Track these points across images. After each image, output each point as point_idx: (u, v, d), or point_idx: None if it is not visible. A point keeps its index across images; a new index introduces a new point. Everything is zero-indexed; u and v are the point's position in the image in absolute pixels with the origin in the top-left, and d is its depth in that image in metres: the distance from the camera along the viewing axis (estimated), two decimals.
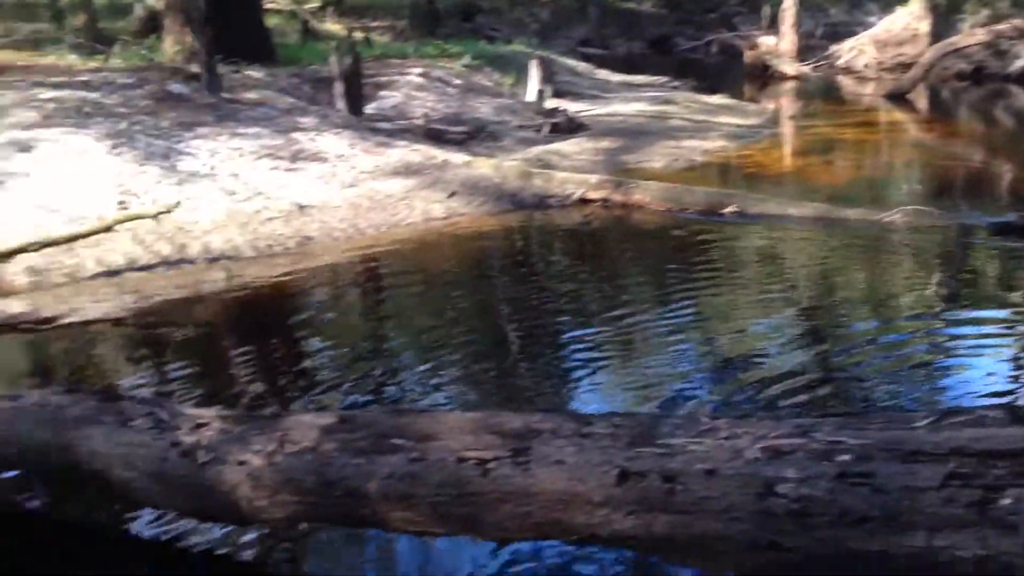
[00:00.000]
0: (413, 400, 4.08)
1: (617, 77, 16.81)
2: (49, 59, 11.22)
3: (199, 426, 3.02)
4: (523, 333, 5.01)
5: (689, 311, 5.21)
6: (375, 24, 22.83)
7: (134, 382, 4.46)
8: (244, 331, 5.49)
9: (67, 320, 5.46)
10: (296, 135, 8.94)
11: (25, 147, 7.56)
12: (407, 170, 8.48)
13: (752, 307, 5.26)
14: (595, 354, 4.61)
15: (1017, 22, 15.81)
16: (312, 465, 2.79)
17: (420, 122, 10.21)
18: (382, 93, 11.77)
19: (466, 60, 14.12)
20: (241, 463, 2.81)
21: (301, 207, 7.45)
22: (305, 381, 4.40)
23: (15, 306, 5.59)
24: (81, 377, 4.62)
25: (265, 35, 13.51)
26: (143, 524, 3.23)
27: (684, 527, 2.65)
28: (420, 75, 12.71)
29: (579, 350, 4.68)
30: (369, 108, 10.82)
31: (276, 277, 6.23)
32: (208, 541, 3.14)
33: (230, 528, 3.09)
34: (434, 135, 9.95)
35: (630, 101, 13.70)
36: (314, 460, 2.81)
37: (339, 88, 10.15)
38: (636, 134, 11.03)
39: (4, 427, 3.11)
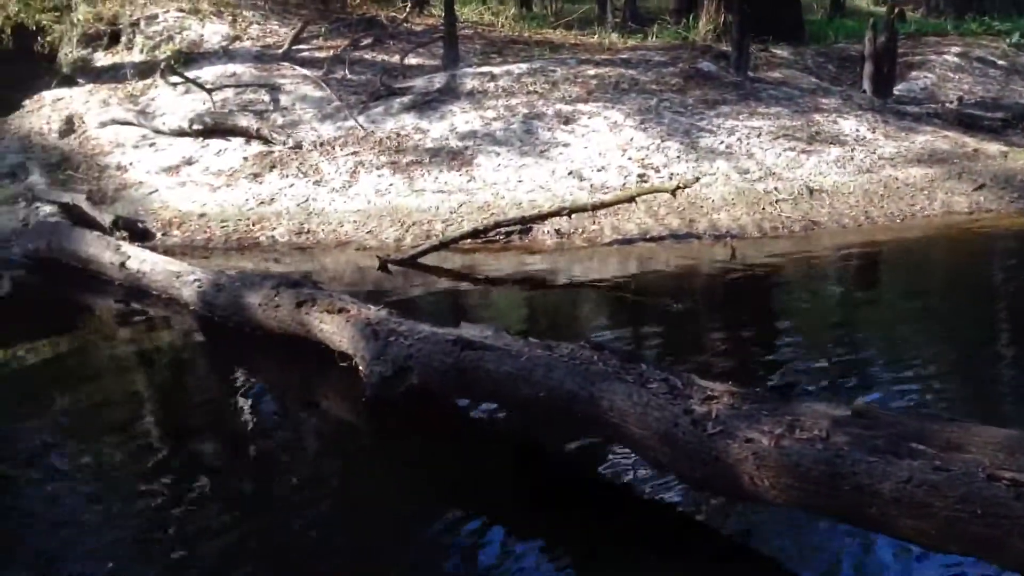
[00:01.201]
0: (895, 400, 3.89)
1: None
2: (594, 38, 12.28)
3: (710, 398, 3.17)
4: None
5: None
6: None
7: (622, 342, 4.77)
8: (733, 310, 5.60)
9: (580, 280, 6.09)
10: (815, 116, 8.81)
11: (567, 119, 8.44)
12: (931, 158, 7.96)
13: None
14: None
15: None
16: (822, 455, 2.79)
17: (952, 106, 9.47)
18: (912, 74, 11.09)
19: (1014, 38, 12.73)
20: (748, 440, 2.89)
21: (811, 190, 7.37)
22: (780, 367, 4.39)
23: (537, 263, 6.36)
24: (577, 333, 4.95)
25: (797, 12, 13.39)
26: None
27: None
28: (957, 54, 11.76)
29: None
30: (897, 89, 10.27)
31: (777, 259, 6.26)
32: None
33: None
34: (967, 121, 9.17)
35: None
36: (825, 450, 2.81)
37: (868, 68, 9.77)
38: None
39: (541, 372, 3.52)
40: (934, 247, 6.47)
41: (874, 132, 8.50)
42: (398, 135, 8.25)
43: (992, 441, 2.81)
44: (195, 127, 8.32)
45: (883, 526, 2.73)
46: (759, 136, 8.29)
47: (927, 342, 4.80)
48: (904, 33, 12.78)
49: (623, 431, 3.26)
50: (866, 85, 9.71)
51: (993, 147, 8.17)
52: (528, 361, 3.58)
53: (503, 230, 6.54)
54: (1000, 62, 11.80)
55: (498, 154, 7.86)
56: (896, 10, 15.40)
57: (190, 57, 9.71)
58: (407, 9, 12.10)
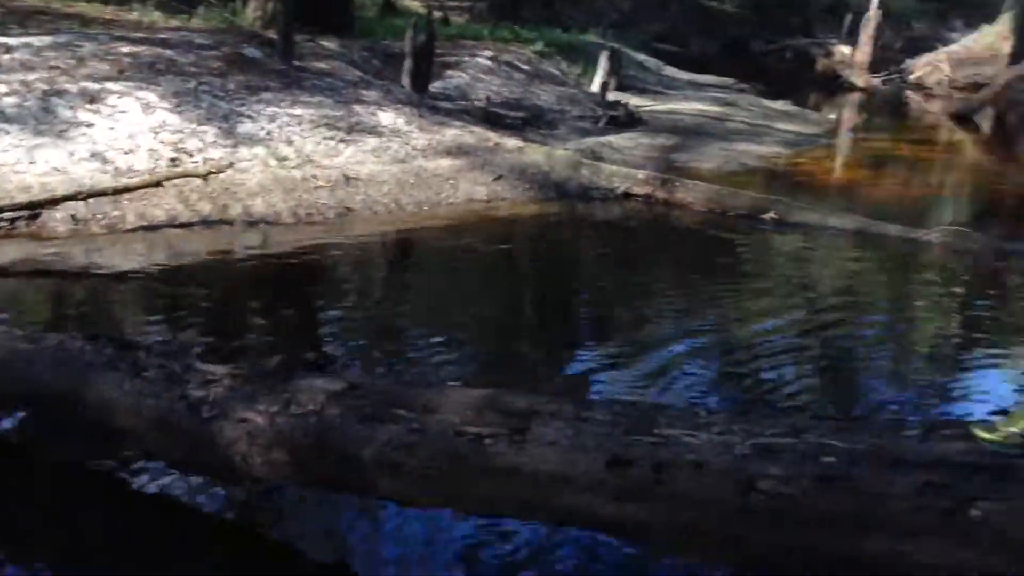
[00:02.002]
0: (422, 371, 4.16)
1: (685, 75, 16.70)
2: (133, 15, 11.52)
3: (209, 382, 3.08)
4: (542, 319, 5.08)
5: (705, 311, 5.23)
6: (454, 4, 22.91)
7: (145, 336, 4.55)
8: (265, 295, 5.57)
9: (96, 270, 5.68)
10: (356, 107, 9.08)
11: (93, 98, 7.81)
12: (459, 151, 8.57)
13: (769, 313, 5.25)
14: (608, 345, 4.66)
15: None
16: (313, 428, 2.86)
17: (481, 104, 10.29)
18: (449, 73, 11.87)
19: (538, 46, 14.16)
20: (243, 420, 2.89)
21: (348, 178, 7.58)
22: (313, 348, 4.50)
23: (47, 251, 5.79)
24: (95, 326, 4.65)
25: (347, 7, 13.69)
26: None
27: (664, 516, 2.71)
28: (489, 58, 12.79)
29: (593, 340, 4.74)
30: (434, 87, 10.93)
31: (309, 245, 6.34)
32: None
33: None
34: (492, 118, 10.02)
35: (693, 100, 13.62)
36: (316, 423, 2.87)
37: (407, 65, 10.27)
38: (693, 133, 10.98)
39: (21, 366, 3.23)
40: (456, 230, 6.95)
41: (410, 125, 8.96)
42: None
43: (464, 401, 3.07)
44: None
45: (366, 490, 2.88)
46: (300, 124, 8.34)
47: (451, 313, 5.15)
48: (445, 35, 13.67)
49: (113, 423, 3.07)
50: (406, 81, 10.21)
51: (512, 142, 9.00)
52: (7, 354, 3.26)
53: (6, 216, 5.87)
54: (524, 67, 13.06)
55: (8, 133, 7.03)
56: (441, 15, 16.45)
57: None
58: None
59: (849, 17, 23.15)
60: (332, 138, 8.27)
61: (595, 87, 12.81)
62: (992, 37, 18.82)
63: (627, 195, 7.90)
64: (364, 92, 9.65)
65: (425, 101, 10.05)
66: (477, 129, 9.32)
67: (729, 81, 16.60)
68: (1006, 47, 18.23)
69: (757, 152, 10.34)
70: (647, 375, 4.29)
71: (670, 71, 16.87)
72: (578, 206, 7.80)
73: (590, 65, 13.88)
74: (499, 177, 8.09)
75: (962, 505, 2.37)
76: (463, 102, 10.57)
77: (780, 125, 12.01)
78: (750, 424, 3.11)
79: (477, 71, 12.30)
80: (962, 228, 6.85)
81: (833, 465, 2.71)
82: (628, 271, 6.27)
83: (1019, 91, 15.95)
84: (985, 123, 14.10)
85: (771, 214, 7.21)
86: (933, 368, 4.55)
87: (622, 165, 8.83)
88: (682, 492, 2.68)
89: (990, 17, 19.80)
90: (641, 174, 8.17)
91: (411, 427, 2.89)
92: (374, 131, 8.66)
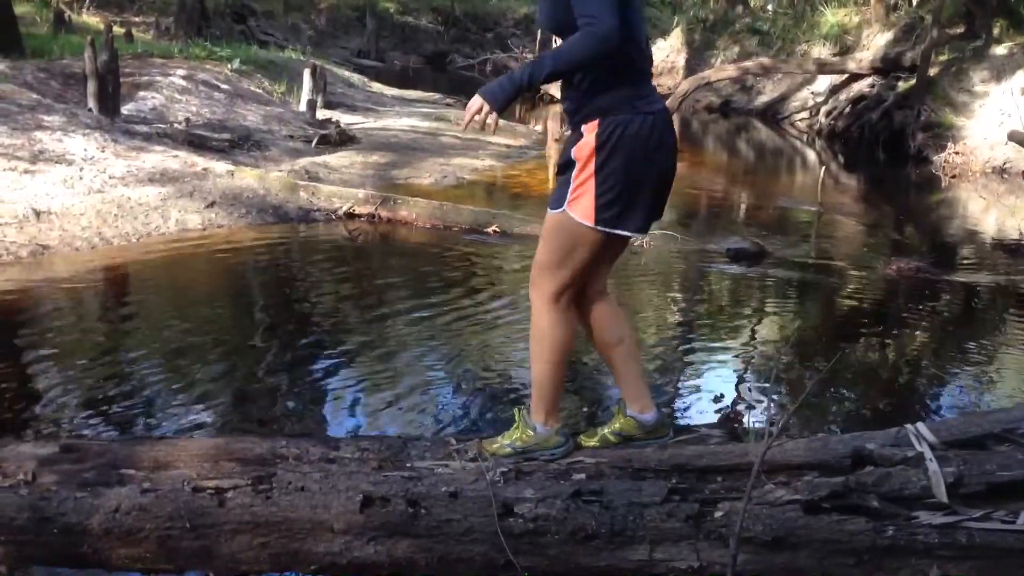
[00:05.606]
0: (153, 427, 3.84)
1: (391, 91, 16.79)
2: None
3: None
4: (277, 352, 4.85)
5: (444, 329, 5.26)
6: (138, 19, 21.64)
7: None
8: None
9: None
10: (38, 134, 8.28)
11: None
12: (164, 177, 8.06)
13: (504, 324, 5.37)
14: (351, 374, 4.55)
15: (763, 60, 17.23)
16: (27, 500, 2.61)
17: (181, 127, 9.73)
18: (141, 94, 11.14)
19: (235, 64, 13.62)
20: None
21: (39, 213, 6.89)
22: (30, 407, 4.02)
23: None
24: None
25: (11, 23, 12.46)
26: None
27: (426, 551, 2.68)
28: (184, 77, 12.15)
29: (333, 369, 4.60)
30: (126, 109, 10.21)
31: (9, 289, 5.69)
32: None
33: None
34: (196, 141, 9.52)
35: (403, 116, 13.72)
36: (30, 495, 2.63)
37: (92, 86, 9.49)
38: (407, 149, 11.06)
39: None
40: (172, 263, 6.51)
41: (103, 151, 8.30)
42: None
43: (198, 453, 2.88)
44: None
45: (99, 561, 2.62)
46: None
47: (184, 349, 4.78)
48: (130, 53, 12.83)
49: None
50: (92, 103, 9.44)
51: (221, 166, 8.59)
52: None
53: None
54: (224, 86, 12.52)
55: None
56: (123, 30, 15.42)
57: None
58: None
59: (540, 32, 24.43)
60: (13, 169, 7.48)
61: (302, 105, 12.54)
62: (667, 51, 20.57)
63: (350, 215, 7.80)
64: (45, 117, 8.83)
65: (118, 125, 9.36)
66: (181, 153, 8.82)
67: (436, 96, 16.90)
68: (680, 60, 20.01)
69: (472, 166, 10.59)
70: (394, 403, 4.22)
71: (377, 87, 16.90)
72: (300, 228, 7.59)
73: (294, 83, 13.59)
74: (212, 203, 7.69)
75: (705, 507, 2.51)
76: (161, 125, 9.95)
77: (491, 138, 12.35)
78: None
79: (173, 91, 11.64)
80: (667, 232, 7.40)
81: (584, 480, 2.80)
82: (361, 288, 6.18)
83: (696, 100, 17.61)
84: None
85: (493, 227, 7.40)
86: (662, 372, 4.82)
87: (340, 184, 8.71)
88: (440, 524, 2.67)
89: (665, 33, 21.69)
90: (361, 193, 8.09)
91: (143, 488, 2.68)
92: (63, 159, 7.94)
